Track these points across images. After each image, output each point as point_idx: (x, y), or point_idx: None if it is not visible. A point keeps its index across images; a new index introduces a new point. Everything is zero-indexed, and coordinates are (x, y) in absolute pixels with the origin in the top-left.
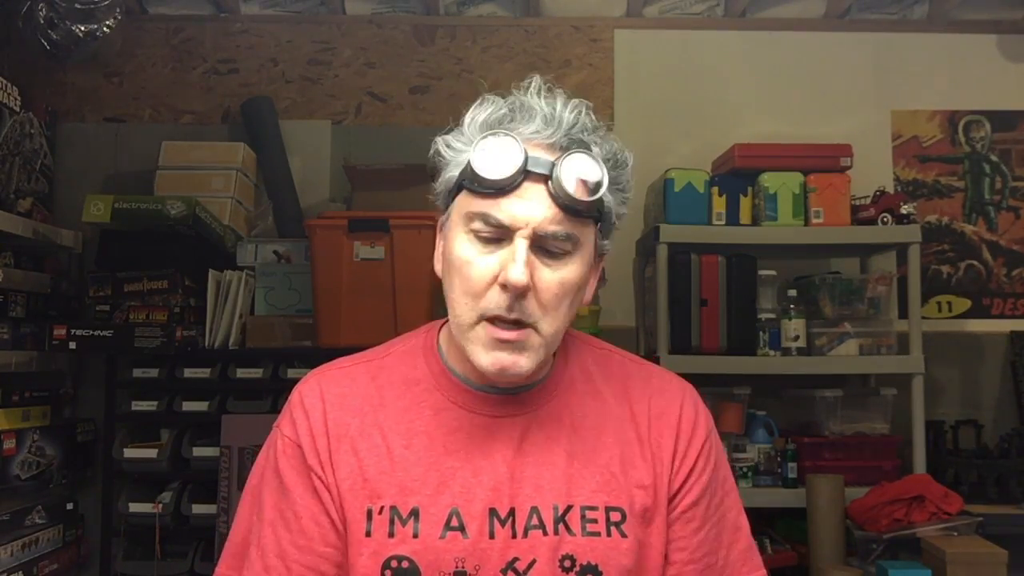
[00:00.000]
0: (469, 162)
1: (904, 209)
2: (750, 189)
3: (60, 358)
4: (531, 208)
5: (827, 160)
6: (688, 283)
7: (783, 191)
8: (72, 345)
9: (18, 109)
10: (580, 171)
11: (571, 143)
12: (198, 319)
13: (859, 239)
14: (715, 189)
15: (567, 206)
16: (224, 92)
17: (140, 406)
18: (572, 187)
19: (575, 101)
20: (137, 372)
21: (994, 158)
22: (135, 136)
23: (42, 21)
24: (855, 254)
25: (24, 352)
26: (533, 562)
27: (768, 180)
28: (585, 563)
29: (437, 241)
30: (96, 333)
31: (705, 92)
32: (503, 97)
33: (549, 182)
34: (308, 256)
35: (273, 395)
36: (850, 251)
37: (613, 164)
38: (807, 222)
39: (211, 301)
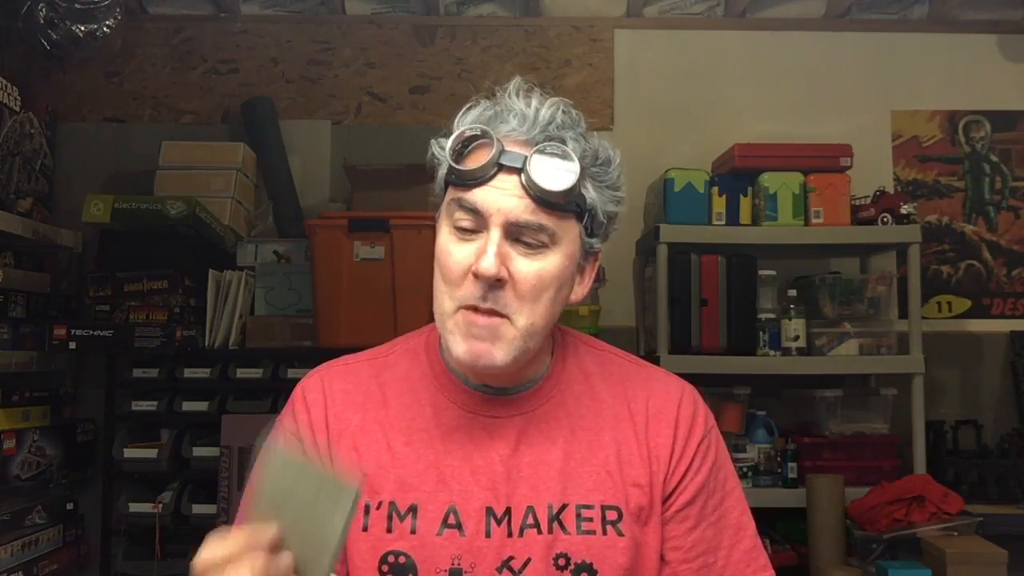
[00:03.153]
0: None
1: (904, 209)
2: (750, 189)
3: (60, 358)
4: (504, 197)
5: (827, 160)
6: (688, 283)
7: (783, 191)
8: (72, 345)
9: (18, 109)
10: (550, 163)
11: (546, 139)
12: (198, 319)
13: (859, 239)
14: (715, 189)
15: (539, 198)
16: (224, 92)
17: (140, 406)
18: (542, 179)
19: (553, 99)
20: (137, 372)
21: (994, 158)
22: (135, 136)
23: (42, 21)
24: (855, 254)
25: (24, 352)
26: (528, 561)
27: (768, 180)
28: (580, 561)
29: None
30: (96, 333)
31: (705, 92)
32: (490, 99)
33: (522, 175)
34: (308, 256)
35: (273, 395)
36: (850, 251)
37: (593, 160)
38: (807, 222)
39: (211, 301)
